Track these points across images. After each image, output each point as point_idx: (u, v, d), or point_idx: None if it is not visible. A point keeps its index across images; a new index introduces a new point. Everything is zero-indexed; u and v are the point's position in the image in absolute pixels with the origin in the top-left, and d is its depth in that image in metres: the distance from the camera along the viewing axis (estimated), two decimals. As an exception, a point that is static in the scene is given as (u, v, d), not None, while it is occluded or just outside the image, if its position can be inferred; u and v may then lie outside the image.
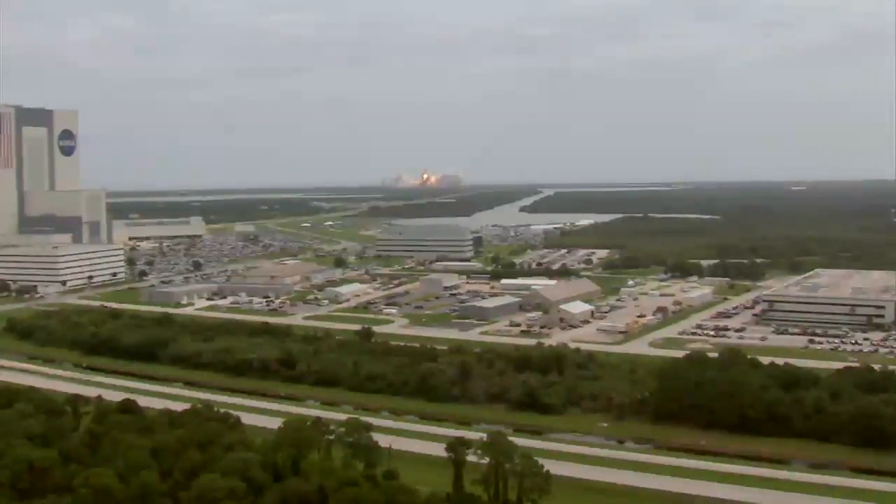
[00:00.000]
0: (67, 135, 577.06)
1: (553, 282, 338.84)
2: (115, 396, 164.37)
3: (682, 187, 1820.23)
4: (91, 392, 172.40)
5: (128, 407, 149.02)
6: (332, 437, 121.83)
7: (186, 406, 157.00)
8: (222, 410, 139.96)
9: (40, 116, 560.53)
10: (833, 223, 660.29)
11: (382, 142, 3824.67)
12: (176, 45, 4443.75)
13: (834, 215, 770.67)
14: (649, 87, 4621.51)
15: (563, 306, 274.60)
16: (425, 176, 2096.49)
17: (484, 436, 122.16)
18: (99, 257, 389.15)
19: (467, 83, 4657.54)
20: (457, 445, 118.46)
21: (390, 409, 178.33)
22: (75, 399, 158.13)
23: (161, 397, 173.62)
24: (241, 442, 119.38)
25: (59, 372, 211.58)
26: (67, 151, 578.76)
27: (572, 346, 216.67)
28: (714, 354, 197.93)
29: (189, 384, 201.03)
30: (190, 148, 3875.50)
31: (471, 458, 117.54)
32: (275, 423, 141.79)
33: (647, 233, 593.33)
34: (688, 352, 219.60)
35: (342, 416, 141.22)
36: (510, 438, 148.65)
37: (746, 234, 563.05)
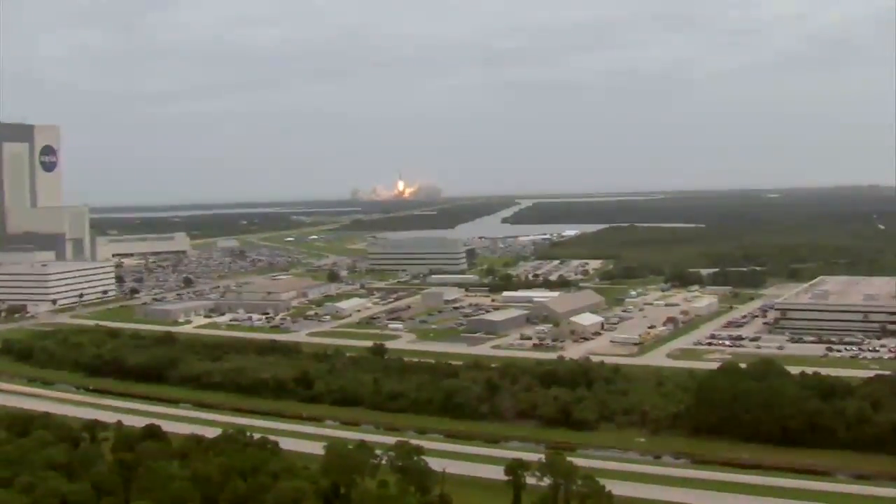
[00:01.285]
0: (49, 150, 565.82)
1: (555, 293, 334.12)
2: (133, 421, 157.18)
3: (659, 196, 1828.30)
4: (105, 416, 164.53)
5: (153, 432, 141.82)
6: (382, 462, 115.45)
7: (210, 430, 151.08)
8: (256, 435, 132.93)
9: (21, 132, 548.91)
10: (819, 230, 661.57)
11: (355, 154, 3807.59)
12: (147, 59, 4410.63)
13: (818, 222, 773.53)
14: (621, 97, 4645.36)
15: (573, 318, 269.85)
16: (402, 187, 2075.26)
17: (541, 456, 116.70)
18: (89, 275, 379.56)
19: (440, 95, 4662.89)
20: (516, 467, 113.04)
21: (415, 428, 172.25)
22: (93, 425, 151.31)
23: (182, 421, 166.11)
24: (288, 469, 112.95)
25: (68, 395, 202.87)
26: (49, 167, 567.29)
27: (581, 358, 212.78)
28: (742, 365, 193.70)
29: (200, 405, 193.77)
30: (163, 163, 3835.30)
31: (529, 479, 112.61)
32: (311, 447, 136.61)
33: (636, 242, 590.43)
34: (706, 363, 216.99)
35: (385, 439, 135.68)
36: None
37: (735, 242, 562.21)
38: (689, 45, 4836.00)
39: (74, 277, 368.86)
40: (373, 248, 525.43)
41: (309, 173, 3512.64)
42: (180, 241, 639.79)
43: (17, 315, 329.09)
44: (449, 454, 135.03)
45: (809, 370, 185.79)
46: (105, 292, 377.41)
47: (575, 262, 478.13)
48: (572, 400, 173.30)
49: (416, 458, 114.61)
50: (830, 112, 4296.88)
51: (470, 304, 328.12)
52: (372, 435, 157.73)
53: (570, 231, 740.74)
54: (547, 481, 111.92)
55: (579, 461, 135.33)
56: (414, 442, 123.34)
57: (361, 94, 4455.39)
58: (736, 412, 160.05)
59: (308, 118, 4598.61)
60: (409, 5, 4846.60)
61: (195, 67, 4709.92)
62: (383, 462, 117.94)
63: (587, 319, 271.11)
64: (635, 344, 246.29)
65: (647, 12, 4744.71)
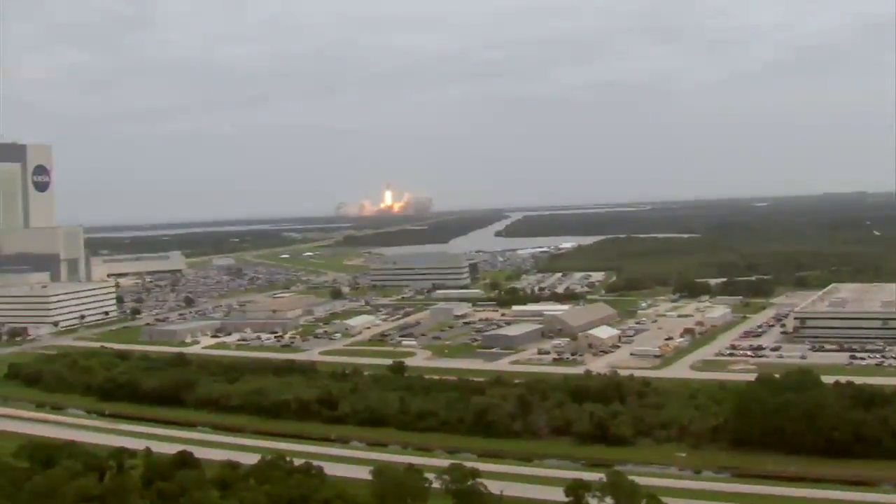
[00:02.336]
0: (41, 170, 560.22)
1: (565, 307, 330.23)
2: (161, 447, 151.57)
3: (647, 207, 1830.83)
4: (128, 443, 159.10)
5: (185, 460, 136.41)
6: (436, 486, 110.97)
7: (243, 455, 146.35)
8: (297, 460, 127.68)
9: (13, 151, 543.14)
10: (816, 237, 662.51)
11: (340, 170, 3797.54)
12: (133, 78, 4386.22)
13: (812, 230, 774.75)
14: (606, 109, 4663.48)
15: (590, 332, 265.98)
16: (390, 201, 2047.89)
17: (602, 476, 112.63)
18: (90, 296, 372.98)
19: (425, 109, 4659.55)
20: (577, 488, 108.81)
21: (445, 448, 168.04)
22: (120, 452, 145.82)
23: (210, 446, 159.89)
24: (339, 496, 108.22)
25: (87, 421, 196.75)
26: (42, 187, 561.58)
27: (607, 371, 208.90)
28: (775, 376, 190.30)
29: (219, 429, 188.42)
30: (147, 181, 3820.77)
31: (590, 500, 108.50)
32: (355, 471, 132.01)
33: (635, 254, 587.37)
34: (732, 374, 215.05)
35: (426, 461, 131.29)
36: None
37: (734, 251, 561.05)
38: (675, 56, 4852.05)
39: (75, 299, 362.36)
40: (374, 264, 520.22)
41: (294, 190, 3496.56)
42: (176, 260, 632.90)
43: (18, 338, 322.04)
44: (499, 475, 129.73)
45: (841, 379, 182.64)
46: (106, 313, 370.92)
47: (578, 275, 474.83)
48: (607, 415, 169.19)
49: (473, 480, 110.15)
50: (815, 121, 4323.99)
51: (480, 319, 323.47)
52: (404, 456, 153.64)
53: (567, 244, 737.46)
54: (609, 501, 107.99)
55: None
56: (468, 464, 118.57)
57: (347, 109, 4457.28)
58: (777, 424, 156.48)
59: (293, 134, 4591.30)
60: (392, 20, 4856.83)
61: (180, 86, 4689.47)
62: (434, 486, 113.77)
63: (604, 332, 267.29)
64: (656, 356, 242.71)
65: (633, 24, 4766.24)
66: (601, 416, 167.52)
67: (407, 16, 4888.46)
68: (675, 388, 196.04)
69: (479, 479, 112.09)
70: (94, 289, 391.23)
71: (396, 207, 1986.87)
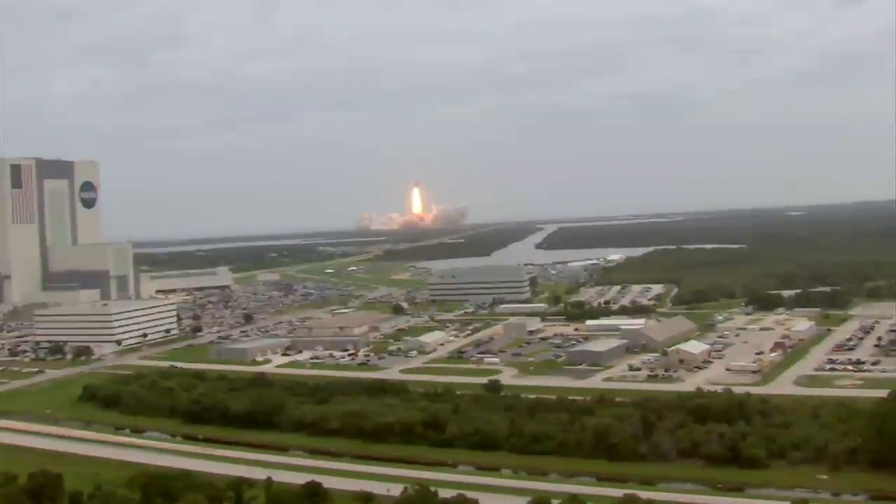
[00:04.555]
0: (88, 186, 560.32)
1: (640, 321, 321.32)
2: (279, 476, 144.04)
3: (679, 218, 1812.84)
4: (239, 471, 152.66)
5: (314, 491, 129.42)
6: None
7: (369, 484, 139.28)
8: (445, 492, 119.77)
9: (61, 168, 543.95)
10: (869, 247, 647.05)
11: (366, 183, 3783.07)
12: (159, 95, 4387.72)
13: (859, 238, 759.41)
14: (631, 120, 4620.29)
15: (681, 346, 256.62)
16: (419, 202, 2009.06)
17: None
18: (152, 313, 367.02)
19: (451, 123, 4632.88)
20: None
21: (560, 472, 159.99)
22: (239, 482, 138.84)
23: (330, 474, 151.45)
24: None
25: (191, 448, 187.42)
26: (89, 204, 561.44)
27: (706, 388, 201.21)
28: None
29: (316, 453, 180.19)
30: (175, 198, 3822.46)
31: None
32: (509, 502, 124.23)
33: (689, 265, 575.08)
34: (842, 390, 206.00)
35: (587, 490, 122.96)
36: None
37: (790, 262, 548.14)
38: (699, 66, 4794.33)
39: (137, 316, 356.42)
40: (433, 278, 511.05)
41: (318, 203, 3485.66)
42: (223, 276, 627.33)
43: (82, 357, 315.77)
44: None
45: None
46: (167, 331, 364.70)
47: (637, 288, 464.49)
48: (737, 436, 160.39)
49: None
50: (843, 128, 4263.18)
51: (555, 335, 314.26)
52: (561, 484, 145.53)
53: (614, 255, 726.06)
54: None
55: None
56: (633, 492, 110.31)
57: (373, 123, 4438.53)
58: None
59: (319, 148, 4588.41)
60: (418, 34, 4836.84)
61: (207, 102, 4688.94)
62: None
63: (695, 347, 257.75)
64: (754, 372, 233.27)
65: (656, 34, 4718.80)
66: (734, 438, 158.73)
67: (432, 30, 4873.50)
68: (791, 406, 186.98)
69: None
70: (155, 306, 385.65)
71: (428, 219, 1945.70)
